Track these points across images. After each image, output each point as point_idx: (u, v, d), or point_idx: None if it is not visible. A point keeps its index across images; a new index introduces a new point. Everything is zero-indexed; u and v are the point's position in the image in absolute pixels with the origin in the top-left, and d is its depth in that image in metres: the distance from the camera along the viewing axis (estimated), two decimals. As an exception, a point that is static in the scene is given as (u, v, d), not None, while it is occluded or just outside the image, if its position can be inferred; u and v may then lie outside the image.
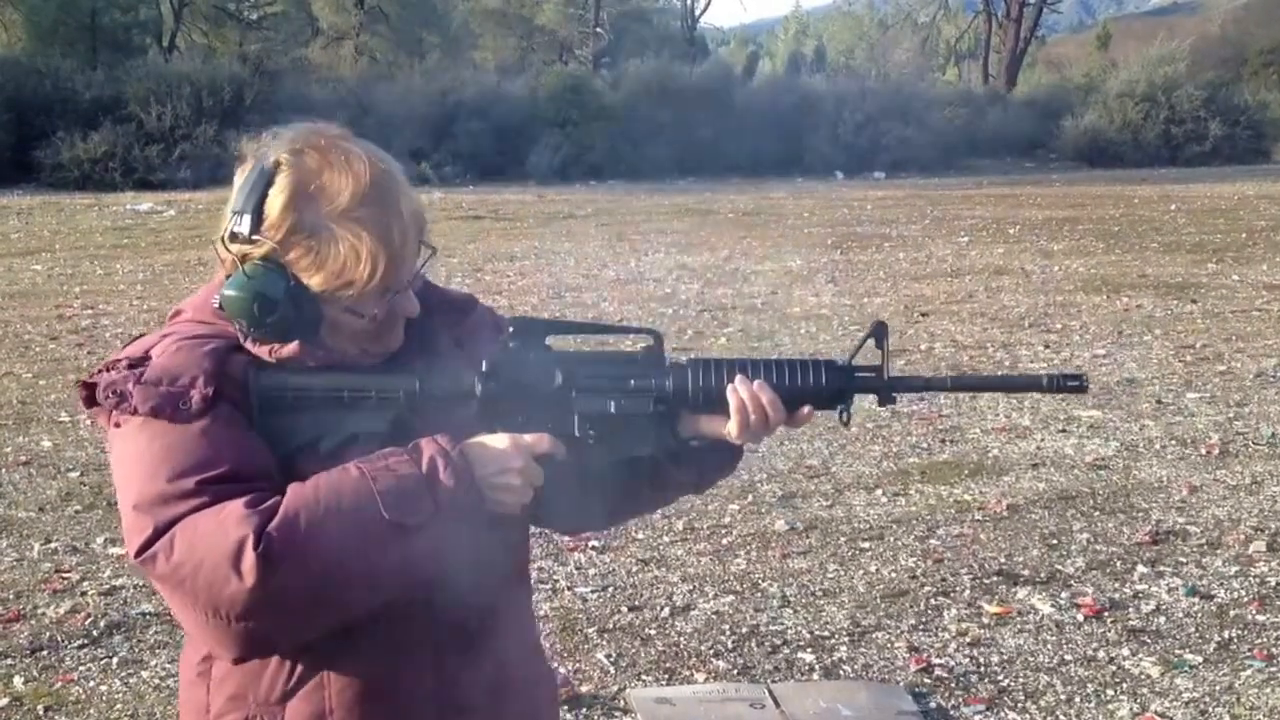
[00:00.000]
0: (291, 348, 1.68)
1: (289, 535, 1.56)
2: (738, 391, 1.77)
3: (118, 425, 1.66)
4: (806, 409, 1.80)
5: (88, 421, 7.66)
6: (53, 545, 5.64)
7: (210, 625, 1.58)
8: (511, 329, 1.76)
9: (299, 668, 1.71)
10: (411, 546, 1.60)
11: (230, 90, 26.57)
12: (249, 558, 1.54)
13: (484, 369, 1.74)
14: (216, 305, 1.69)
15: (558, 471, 1.73)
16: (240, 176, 1.70)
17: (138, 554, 1.59)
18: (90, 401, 1.70)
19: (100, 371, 1.69)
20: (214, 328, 1.72)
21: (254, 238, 1.66)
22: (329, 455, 1.66)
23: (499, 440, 1.69)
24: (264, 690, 1.71)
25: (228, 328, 1.71)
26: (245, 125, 24.56)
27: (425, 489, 1.61)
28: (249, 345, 1.70)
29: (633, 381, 1.78)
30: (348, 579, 1.59)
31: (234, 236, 1.67)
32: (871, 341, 1.83)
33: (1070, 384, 1.82)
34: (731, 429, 1.78)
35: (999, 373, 8.93)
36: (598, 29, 45.57)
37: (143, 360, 1.67)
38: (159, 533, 1.58)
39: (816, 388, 1.80)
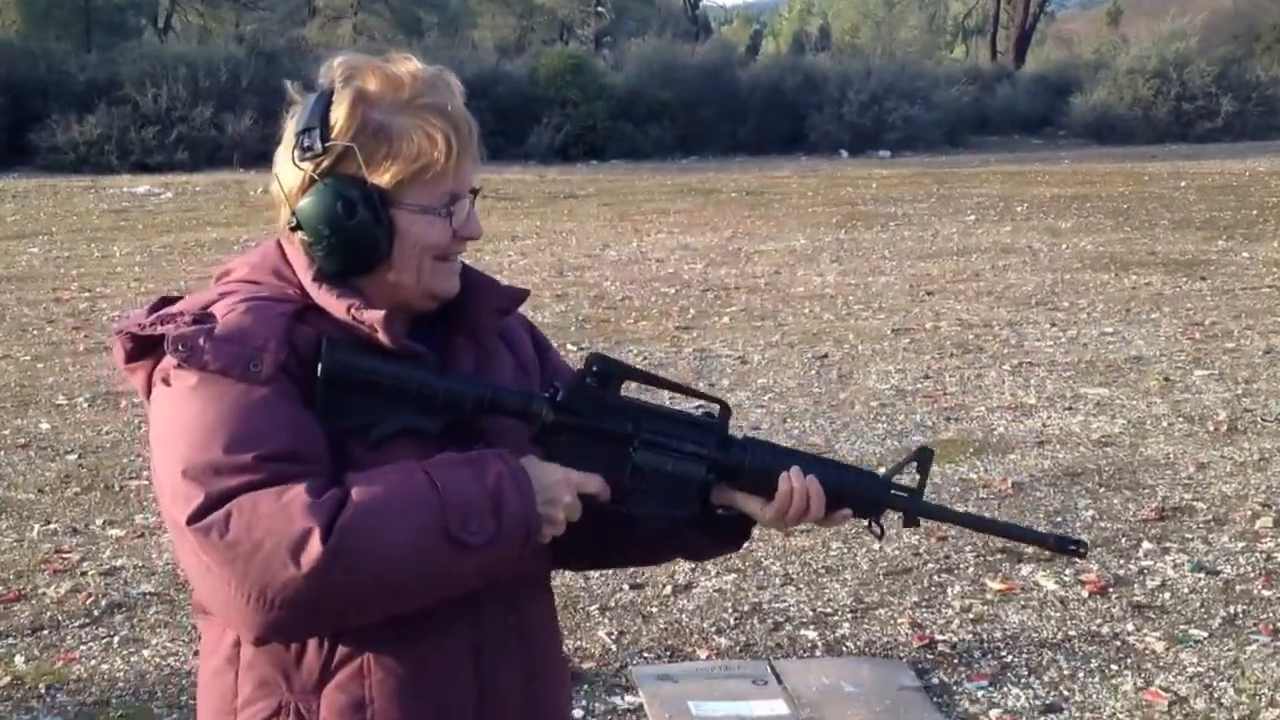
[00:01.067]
0: (375, 315, 1.65)
1: (357, 535, 1.53)
2: (791, 480, 1.81)
3: (166, 382, 1.61)
4: (844, 511, 1.87)
5: (85, 404, 7.66)
6: (52, 526, 5.63)
7: (249, 606, 1.53)
8: (594, 368, 1.76)
9: (337, 655, 1.66)
10: (465, 565, 1.59)
11: (227, 71, 26.41)
12: (314, 549, 1.50)
13: (558, 398, 1.75)
14: (291, 225, 1.68)
15: (591, 512, 1.75)
16: (292, 118, 1.70)
17: (190, 521, 1.53)
18: (134, 355, 1.66)
19: (154, 323, 1.63)
20: (276, 289, 1.69)
21: (326, 146, 1.66)
22: (377, 444, 1.65)
23: (555, 472, 1.69)
24: (299, 677, 1.66)
25: (287, 289, 1.69)
26: (242, 107, 24.52)
27: (490, 509, 1.59)
28: (319, 291, 1.68)
29: (692, 445, 1.81)
30: (400, 584, 1.57)
31: (305, 151, 1.66)
32: (915, 465, 1.94)
33: (1072, 548, 1.95)
34: (769, 513, 1.82)
35: (1004, 352, 8.89)
36: (599, 8, 45.40)
37: (207, 316, 1.63)
38: (212, 503, 1.53)
39: (858, 494, 1.88)
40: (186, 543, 1.56)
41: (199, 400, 1.58)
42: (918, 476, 1.93)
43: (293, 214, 1.68)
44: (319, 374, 1.63)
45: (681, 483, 1.80)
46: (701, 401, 1.93)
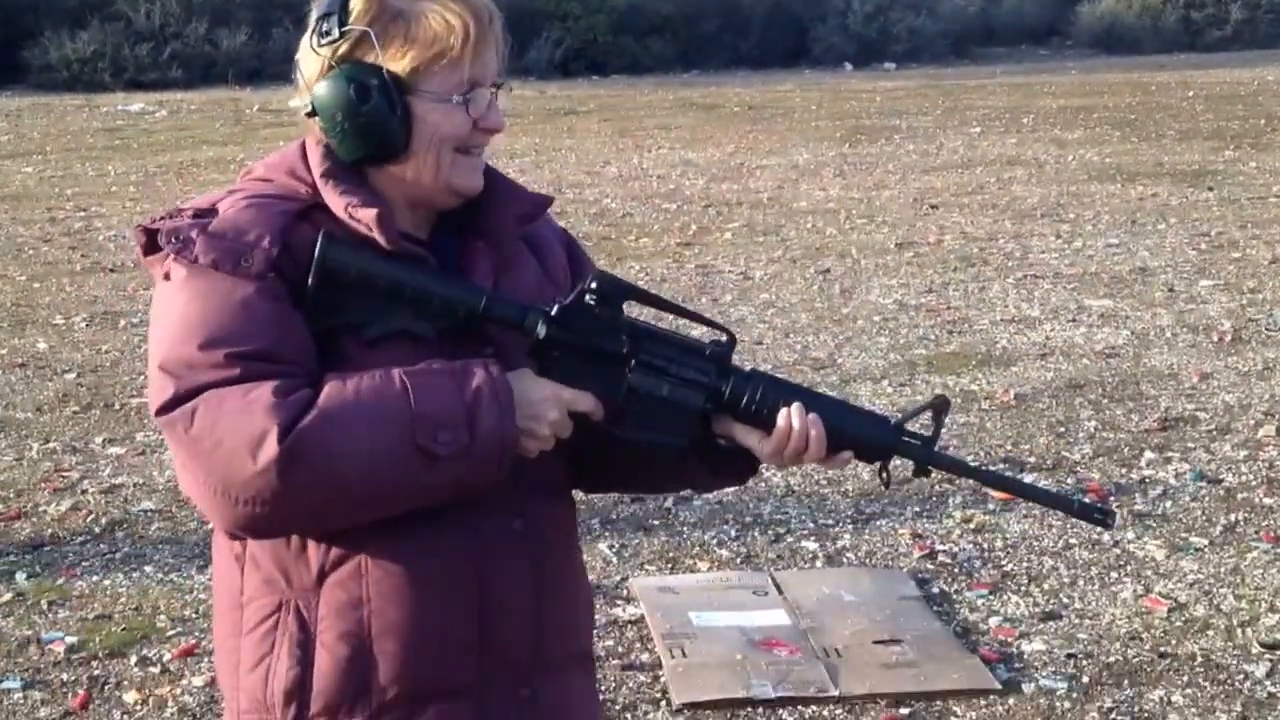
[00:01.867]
0: (370, 214, 1.65)
1: (316, 437, 1.54)
2: (790, 417, 1.74)
3: (167, 277, 1.64)
4: (848, 454, 1.79)
5: (82, 323, 7.64)
6: (51, 445, 5.63)
7: (216, 499, 1.57)
8: (594, 284, 1.72)
9: (334, 554, 1.66)
10: (434, 476, 1.59)
11: (221, -15, 26.10)
12: (270, 449, 1.52)
13: (553, 313, 1.71)
14: (308, 112, 1.68)
15: (584, 430, 1.72)
16: (315, 3, 1.70)
17: (158, 413, 1.59)
18: (149, 249, 1.67)
19: (163, 217, 1.67)
20: (287, 188, 1.70)
21: (343, 31, 1.66)
22: (371, 343, 1.65)
23: (544, 388, 1.67)
24: (299, 575, 1.67)
25: (299, 188, 1.69)
26: (237, 23, 24.22)
27: (463, 421, 1.58)
28: (326, 186, 1.67)
29: (693, 373, 1.75)
30: (363, 492, 1.58)
31: (323, 36, 1.67)
32: (931, 413, 1.83)
33: (1097, 516, 1.84)
34: (766, 448, 1.76)
35: (1008, 265, 8.84)
36: (603, -78, 44.68)
37: (209, 212, 1.66)
38: (180, 399, 1.57)
39: (865, 438, 1.79)
40: (167, 437, 1.61)
41: (185, 294, 1.61)
42: (932, 424, 1.83)
43: (310, 100, 1.69)
44: (313, 265, 1.63)
45: (676, 409, 1.75)
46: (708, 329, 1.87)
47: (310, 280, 1.63)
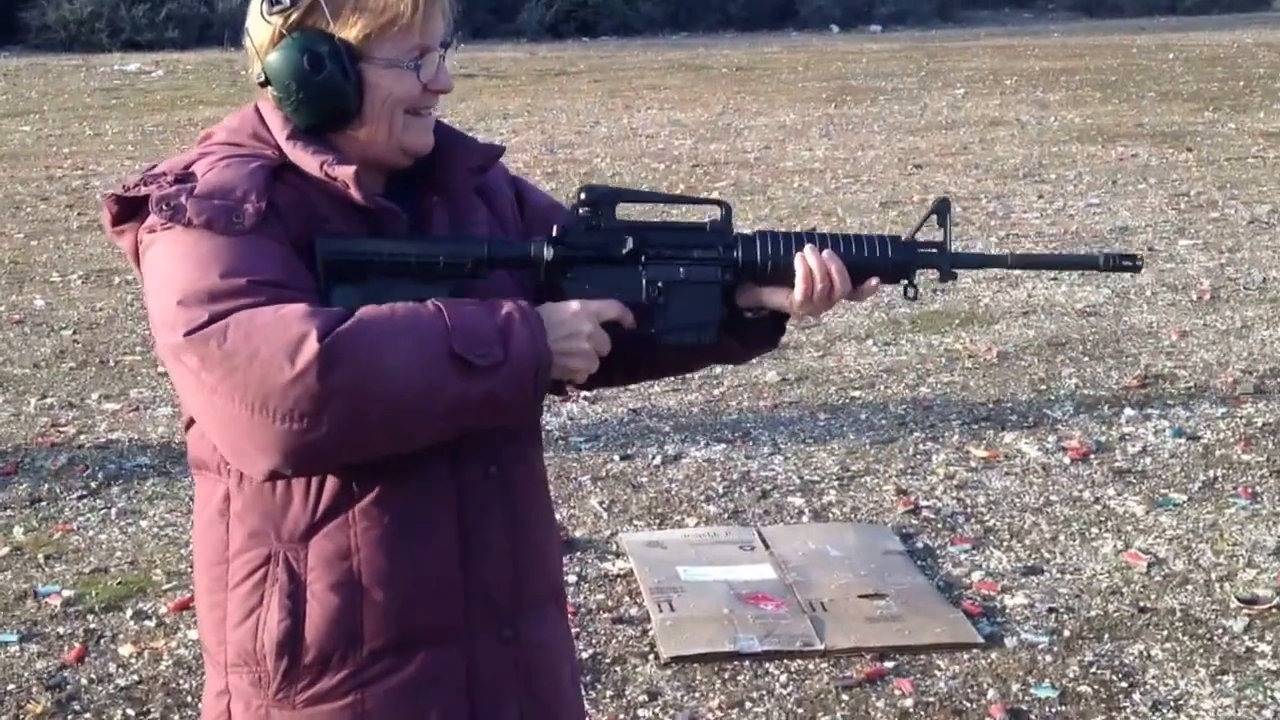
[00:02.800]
0: (347, 170, 1.66)
1: (355, 341, 1.53)
2: (806, 260, 1.78)
3: (152, 231, 1.63)
4: (873, 281, 1.82)
5: (79, 281, 7.67)
6: (48, 401, 5.68)
7: (252, 421, 1.54)
8: (583, 195, 1.76)
9: (323, 505, 1.68)
10: (470, 388, 1.59)
11: (216, -55, 25.93)
12: (310, 349, 1.50)
13: (554, 233, 1.75)
14: (260, 81, 1.69)
15: (623, 339, 1.74)
16: None
17: (187, 333, 1.54)
18: (119, 218, 1.67)
19: (139, 184, 1.66)
20: (255, 149, 1.70)
21: (293, 0, 1.66)
22: None
23: (570, 306, 1.69)
24: (287, 527, 1.69)
25: (265, 149, 1.70)
26: (231, -17, 24.06)
27: (497, 339, 1.60)
28: (294, 148, 1.68)
29: (700, 251, 1.79)
30: (402, 402, 1.56)
31: (274, 5, 1.67)
32: (935, 218, 1.84)
33: (1125, 263, 1.86)
34: (796, 297, 1.79)
35: (991, 224, 8.91)
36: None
37: (188, 175, 1.65)
38: (212, 320, 1.54)
39: (883, 260, 1.82)
40: (187, 370, 1.56)
41: (190, 240, 1.60)
42: (940, 230, 1.85)
43: (262, 70, 1.69)
44: (318, 266, 1.65)
45: (700, 288, 1.78)
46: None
47: (321, 281, 1.65)
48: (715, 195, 9.93)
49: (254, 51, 1.71)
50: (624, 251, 1.77)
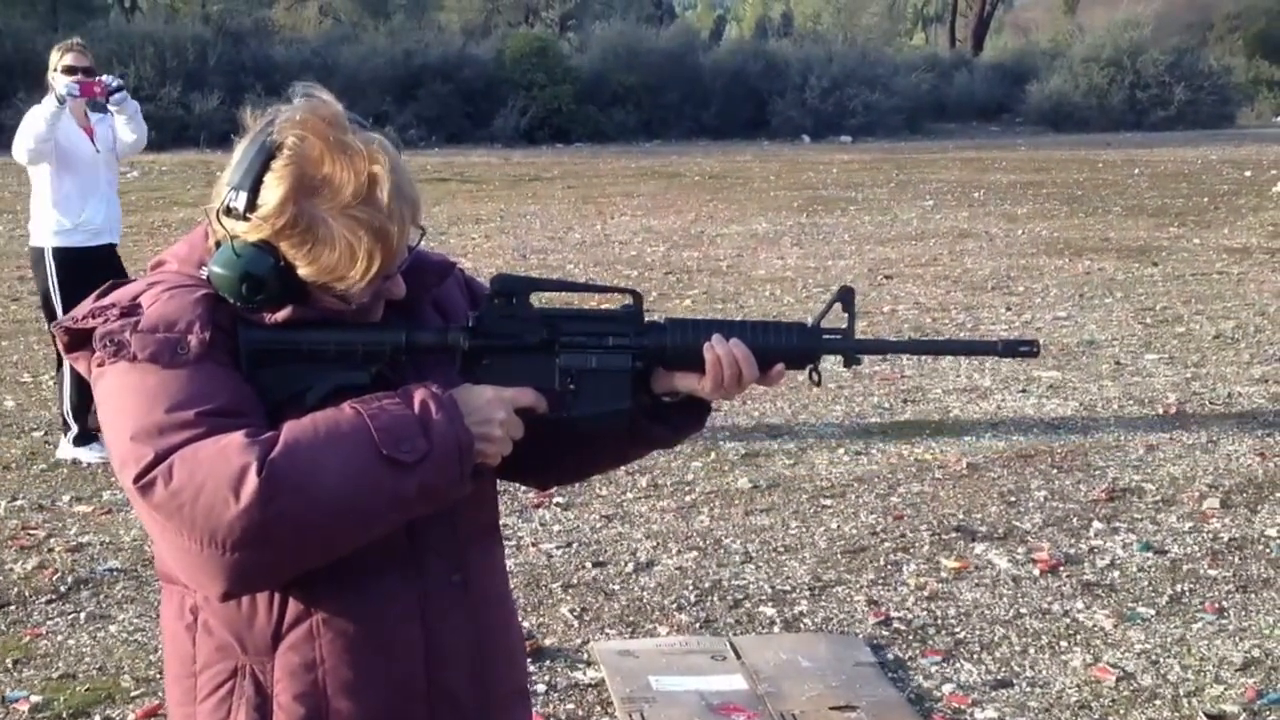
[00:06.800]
0: (285, 312, 1.71)
1: (290, 464, 1.57)
2: (715, 349, 1.83)
3: (101, 365, 1.67)
4: (779, 367, 1.87)
5: (50, 382, 7.65)
6: (19, 503, 5.65)
7: (203, 555, 1.58)
8: (496, 286, 1.81)
9: (287, 618, 1.72)
10: (403, 484, 1.62)
11: (194, 51, 26.29)
12: (251, 483, 1.55)
13: (469, 324, 1.80)
14: (204, 277, 1.71)
15: (537, 426, 1.78)
16: (240, 149, 1.69)
17: (135, 480, 1.59)
18: (71, 347, 1.71)
19: (86, 317, 1.69)
20: (200, 279, 1.73)
21: (248, 217, 1.66)
22: (314, 407, 1.69)
23: (484, 392, 1.73)
24: (253, 640, 1.72)
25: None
26: (209, 87, 24.40)
27: (418, 428, 1.63)
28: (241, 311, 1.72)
29: (612, 339, 1.84)
30: (343, 513, 1.61)
31: (229, 211, 1.67)
32: (840, 306, 1.90)
33: (1023, 349, 1.92)
34: (706, 384, 1.84)
35: (960, 335, 9.02)
36: (564, -9, 45.14)
37: (134, 308, 1.67)
38: (159, 459, 1.59)
39: (787, 347, 1.88)
40: (141, 505, 1.61)
41: (137, 375, 1.64)
42: (846, 317, 1.91)
43: (205, 270, 1.71)
44: (241, 357, 1.69)
45: (611, 376, 1.82)
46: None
47: (243, 369, 1.69)
48: (688, 301, 10.07)
49: (214, 207, 1.71)
50: (538, 340, 1.82)
